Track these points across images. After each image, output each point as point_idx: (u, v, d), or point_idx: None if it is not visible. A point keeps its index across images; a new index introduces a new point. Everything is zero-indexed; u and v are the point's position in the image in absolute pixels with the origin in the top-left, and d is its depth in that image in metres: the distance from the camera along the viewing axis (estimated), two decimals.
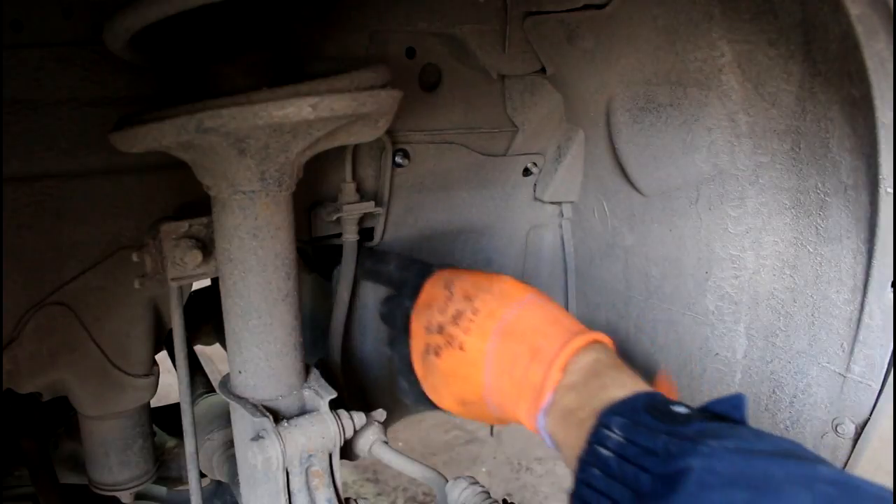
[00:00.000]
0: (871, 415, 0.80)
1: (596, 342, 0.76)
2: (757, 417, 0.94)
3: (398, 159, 1.05)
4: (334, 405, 0.85)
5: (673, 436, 0.59)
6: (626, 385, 0.69)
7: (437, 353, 0.83)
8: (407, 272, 0.97)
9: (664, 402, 0.64)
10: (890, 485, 0.50)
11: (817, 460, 0.53)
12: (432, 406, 0.90)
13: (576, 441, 0.67)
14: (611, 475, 0.61)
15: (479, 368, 0.80)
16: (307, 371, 0.88)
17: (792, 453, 0.54)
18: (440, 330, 0.84)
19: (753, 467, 0.53)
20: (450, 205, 1.14)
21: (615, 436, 0.63)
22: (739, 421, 0.62)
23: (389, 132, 0.99)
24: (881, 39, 0.65)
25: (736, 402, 0.62)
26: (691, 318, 1.04)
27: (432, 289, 0.90)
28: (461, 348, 0.81)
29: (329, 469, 0.85)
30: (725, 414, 0.62)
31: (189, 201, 0.90)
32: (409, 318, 0.90)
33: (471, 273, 0.89)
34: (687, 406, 0.64)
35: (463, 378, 0.81)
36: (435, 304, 0.87)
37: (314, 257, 1.19)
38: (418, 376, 0.89)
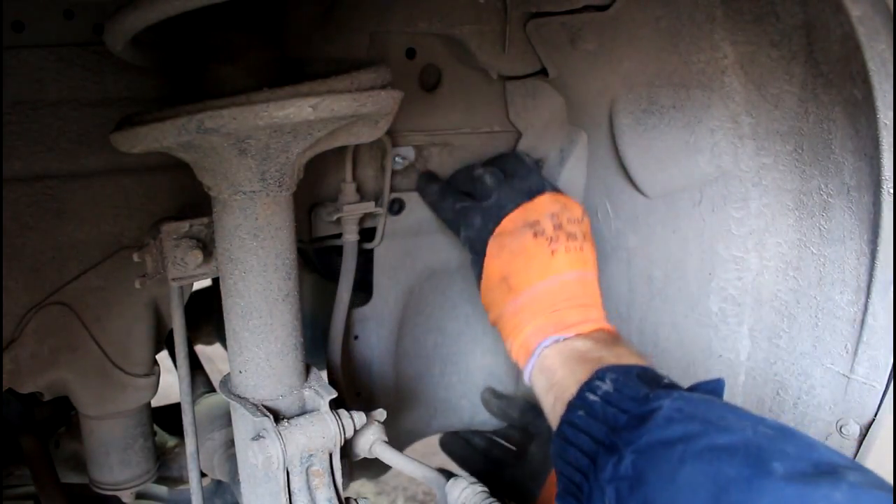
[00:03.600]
0: (875, 416, 0.80)
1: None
2: None
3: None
4: (334, 405, 0.85)
5: (653, 389, 0.69)
6: (631, 358, 0.79)
7: (535, 234, 0.90)
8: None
9: (656, 373, 0.75)
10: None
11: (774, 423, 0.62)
12: (472, 246, 0.96)
13: (568, 383, 0.77)
14: (593, 416, 0.70)
15: (545, 276, 0.88)
16: (307, 371, 0.88)
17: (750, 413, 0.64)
18: (558, 227, 0.91)
19: (713, 411, 0.64)
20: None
21: (605, 386, 0.72)
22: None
23: (390, 133, 0.99)
24: (883, 41, 0.65)
25: (715, 385, 0.72)
26: (694, 319, 1.03)
27: (573, 203, 0.96)
28: (552, 252, 0.89)
29: (329, 468, 0.85)
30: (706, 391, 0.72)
31: (190, 201, 0.90)
32: (541, 192, 0.95)
33: None
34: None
35: (529, 267, 0.89)
36: (570, 211, 0.94)
37: (314, 257, 1.19)
38: (499, 227, 0.93)
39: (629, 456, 0.63)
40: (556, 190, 0.99)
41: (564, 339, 0.85)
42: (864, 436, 0.82)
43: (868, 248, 0.78)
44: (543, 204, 0.93)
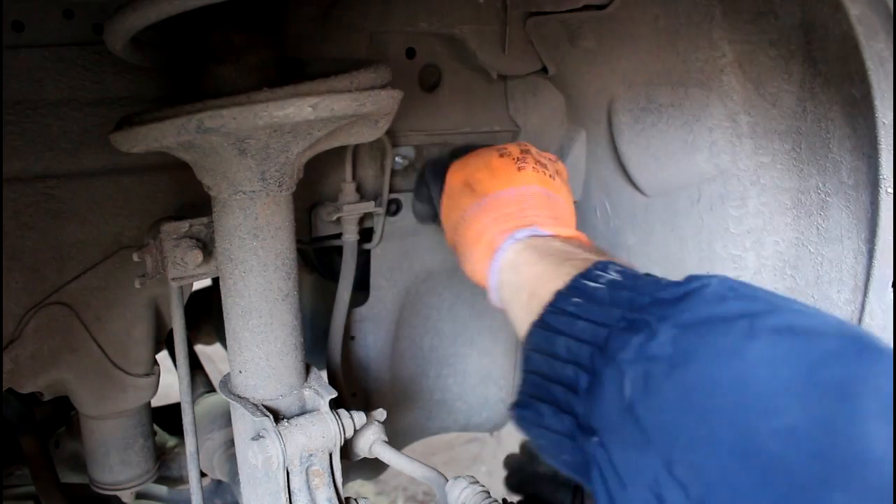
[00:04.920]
0: None
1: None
2: None
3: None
4: (334, 405, 0.85)
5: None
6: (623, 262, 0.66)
7: (501, 155, 0.88)
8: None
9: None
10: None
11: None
12: (434, 177, 0.97)
13: (552, 276, 0.62)
14: (597, 301, 0.55)
15: (510, 184, 0.83)
16: (307, 371, 0.88)
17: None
18: (525, 152, 0.89)
19: (775, 296, 0.50)
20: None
21: (609, 275, 0.57)
22: None
23: (390, 133, 0.99)
24: (881, 39, 0.65)
25: None
26: None
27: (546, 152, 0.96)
28: (520, 169, 0.85)
29: (329, 468, 0.85)
30: None
31: (189, 201, 0.91)
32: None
33: None
34: None
35: (493, 174, 0.85)
36: (536, 148, 0.93)
37: (314, 257, 1.20)
38: (460, 156, 0.93)
39: (668, 331, 0.48)
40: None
41: (539, 236, 0.73)
42: None
43: (866, 246, 0.78)
44: (511, 144, 0.92)
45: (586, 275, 0.59)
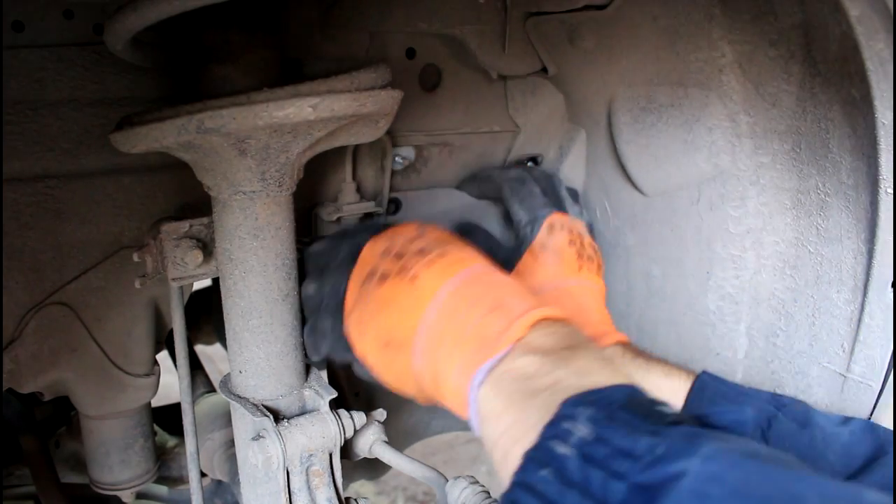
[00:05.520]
0: (871, 415, 0.80)
1: (570, 322, 0.64)
2: None
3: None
4: (334, 405, 0.85)
5: (660, 436, 0.46)
6: (603, 372, 0.56)
7: (381, 279, 0.72)
8: (375, 225, 0.87)
9: (650, 400, 0.53)
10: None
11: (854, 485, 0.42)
12: (343, 355, 0.79)
13: (520, 430, 0.54)
14: (567, 481, 0.48)
15: (424, 304, 0.68)
16: (307, 371, 0.88)
17: (813, 470, 0.43)
18: (398, 256, 0.73)
19: (771, 478, 0.41)
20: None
21: (581, 431, 0.50)
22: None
23: (390, 133, 0.99)
24: (881, 40, 0.65)
25: (741, 416, 0.48)
26: (692, 317, 1.04)
27: (402, 227, 0.79)
28: (412, 280, 0.69)
29: (329, 468, 0.85)
30: (725, 427, 0.51)
31: (190, 201, 0.91)
32: (361, 248, 0.78)
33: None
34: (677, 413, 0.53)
35: (400, 311, 0.69)
36: (402, 235, 0.75)
37: None
38: (346, 309, 0.76)
39: None
40: (380, 230, 0.80)
41: (499, 363, 0.61)
42: None
43: (865, 246, 0.78)
44: (367, 254, 0.77)
45: (553, 428, 0.51)
